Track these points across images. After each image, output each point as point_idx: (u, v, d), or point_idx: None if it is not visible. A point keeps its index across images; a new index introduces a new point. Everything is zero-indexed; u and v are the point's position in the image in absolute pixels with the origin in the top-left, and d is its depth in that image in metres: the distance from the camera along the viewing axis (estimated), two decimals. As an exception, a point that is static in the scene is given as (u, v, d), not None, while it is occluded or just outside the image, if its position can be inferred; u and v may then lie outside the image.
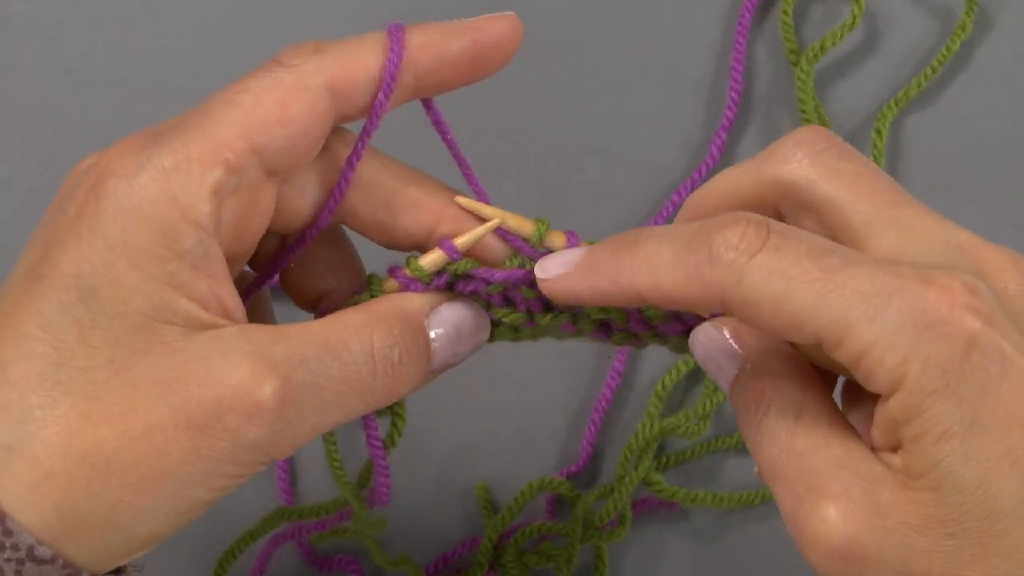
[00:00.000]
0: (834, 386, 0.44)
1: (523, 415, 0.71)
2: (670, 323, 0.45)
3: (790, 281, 0.38)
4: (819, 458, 0.39)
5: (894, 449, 0.39)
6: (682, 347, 0.47)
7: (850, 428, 0.40)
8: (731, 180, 0.45)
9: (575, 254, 0.43)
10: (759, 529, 0.70)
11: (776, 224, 0.39)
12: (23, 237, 0.71)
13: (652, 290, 0.40)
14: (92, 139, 0.71)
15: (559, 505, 0.71)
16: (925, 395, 0.37)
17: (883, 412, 0.38)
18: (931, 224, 0.41)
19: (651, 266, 0.40)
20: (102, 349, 0.39)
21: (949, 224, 0.41)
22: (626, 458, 0.68)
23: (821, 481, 0.39)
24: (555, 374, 0.71)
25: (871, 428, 0.40)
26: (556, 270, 0.43)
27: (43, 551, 0.38)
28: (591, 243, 0.44)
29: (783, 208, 0.44)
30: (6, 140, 0.72)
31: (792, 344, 0.43)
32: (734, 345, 0.43)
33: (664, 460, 0.70)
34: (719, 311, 0.42)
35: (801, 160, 0.43)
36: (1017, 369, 0.37)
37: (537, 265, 0.44)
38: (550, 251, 0.45)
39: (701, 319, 0.45)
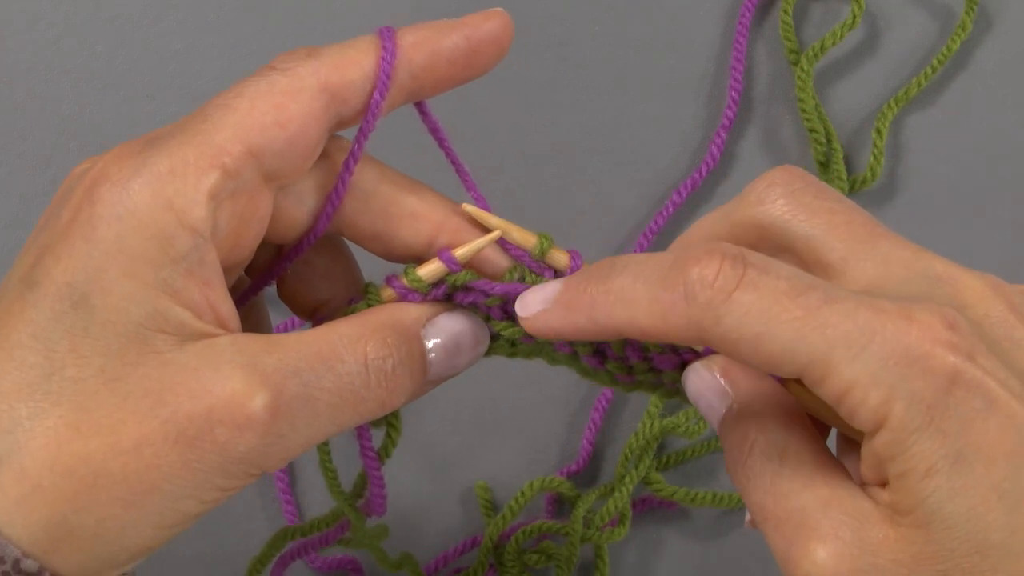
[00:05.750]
0: (828, 430, 0.43)
1: (523, 415, 0.71)
2: (666, 354, 0.45)
3: (769, 320, 0.37)
4: (805, 499, 0.39)
5: (882, 484, 0.38)
6: (672, 391, 0.46)
7: (837, 467, 0.40)
8: (708, 226, 0.45)
9: (552, 289, 0.42)
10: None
11: (753, 256, 0.38)
12: (22, 237, 0.71)
13: (629, 326, 0.39)
14: (91, 139, 0.72)
15: (559, 505, 0.71)
16: (909, 433, 0.36)
17: (869, 449, 0.38)
18: (908, 256, 0.41)
19: (626, 302, 0.39)
20: (93, 359, 0.39)
21: (927, 254, 0.41)
22: (626, 458, 0.68)
23: (809, 522, 0.38)
24: (555, 373, 0.71)
25: (860, 464, 0.39)
26: (535, 307, 0.42)
27: (30, 564, 0.38)
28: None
29: (761, 250, 0.44)
30: (6, 140, 0.72)
31: (787, 382, 0.43)
32: (723, 384, 0.43)
33: (664, 460, 0.70)
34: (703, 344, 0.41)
35: (776, 200, 0.43)
36: (1000, 402, 0.36)
37: (517, 302, 0.43)
38: (551, 267, 0.44)
39: (696, 353, 0.44)
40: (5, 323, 0.39)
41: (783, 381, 0.43)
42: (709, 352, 0.44)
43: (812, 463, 0.40)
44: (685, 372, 0.44)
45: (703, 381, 0.43)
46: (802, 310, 0.37)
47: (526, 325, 0.43)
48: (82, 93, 0.73)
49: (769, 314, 0.37)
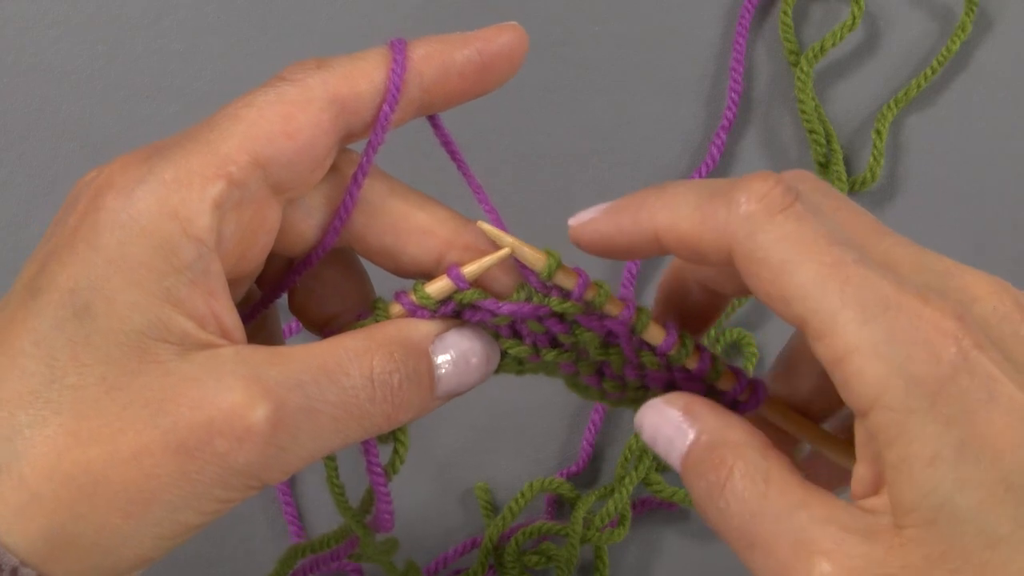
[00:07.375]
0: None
1: (523, 415, 0.71)
2: (661, 372, 0.45)
3: (800, 253, 0.37)
4: (801, 517, 0.38)
5: (877, 490, 0.38)
6: None
7: (824, 490, 0.39)
8: None
9: (606, 203, 0.43)
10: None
11: (807, 195, 0.39)
12: (22, 238, 0.71)
13: (669, 229, 0.40)
14: (92, 140, 0.72)
15: (559, 505, 0.71)
16: (908, 413, 0.36)
17: (863, 432, 0.38)
18: (914, 253, 0.40)
19: (672, 205, 0.40)
20: (94, 367, 0.38)
21: (932, 254, 0.41)
22: (626, 458, 0.68)
23: (809, 539, 0.37)
24: (555, 374, 0.71)
25: (854, 469, 0.39)
26: (586, 216, 0.43)
27: (28, 573, 0.37)
28: (599, 282, 0.43)
29: None
30: (6, 140, 0.72)
31: (767, 401, 0.43)
32: (686, 421, 0.42)
33: (664, 461, 0.70)
34: (722, 266, 0.41)
35: None
36: (1004, 394, 0.36)
37: (573, 217, 0.43)
38: (558, 286, 0.43)
39: (687, 374, 0.44)
40: (9, 330, 0.39)
41: (764, 401, 0.43)
42: (701, 372, 0.44)
43: (799, 485, 0.39)
44: (640, 410, 0.43)
45: (662, 417, 0.42)
46: (832, 258, 0.37)
47: (573, 233, 0.43)
48: (82, 94, 0.73)
49: (801, 247, 0.37)
